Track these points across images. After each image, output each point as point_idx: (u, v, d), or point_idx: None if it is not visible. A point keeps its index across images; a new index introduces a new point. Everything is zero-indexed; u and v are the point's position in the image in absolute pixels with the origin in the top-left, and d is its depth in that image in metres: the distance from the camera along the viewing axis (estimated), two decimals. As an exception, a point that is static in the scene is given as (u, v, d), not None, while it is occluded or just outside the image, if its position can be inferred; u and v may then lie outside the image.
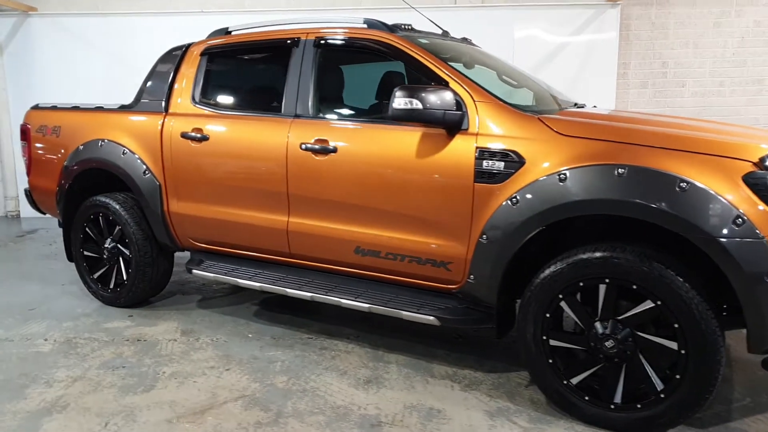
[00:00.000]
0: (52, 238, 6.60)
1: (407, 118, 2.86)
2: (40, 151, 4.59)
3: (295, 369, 3.31)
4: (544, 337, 2.74)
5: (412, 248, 3.10)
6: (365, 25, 3.42)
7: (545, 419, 2.77)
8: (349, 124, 3.37)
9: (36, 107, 4.76)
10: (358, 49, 3.45)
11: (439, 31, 3.95)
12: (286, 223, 3.49)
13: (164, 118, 3.93)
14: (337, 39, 3.45)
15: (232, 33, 3.98)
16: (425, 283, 3.17)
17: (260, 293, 4.55)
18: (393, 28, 3.37)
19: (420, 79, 3.15)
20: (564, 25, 7.28)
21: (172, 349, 3.59)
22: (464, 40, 4.08)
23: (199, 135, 3.74)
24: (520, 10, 7.35)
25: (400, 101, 2.83)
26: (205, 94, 3.89)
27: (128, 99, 6.78)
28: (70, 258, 4.54)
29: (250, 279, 3.68)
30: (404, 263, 3.15)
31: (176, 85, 3.97)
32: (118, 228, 4.15)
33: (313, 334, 3.79)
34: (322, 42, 3.46)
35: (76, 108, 4.52)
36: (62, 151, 4.40)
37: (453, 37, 3.91)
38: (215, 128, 3.71)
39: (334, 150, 3.25)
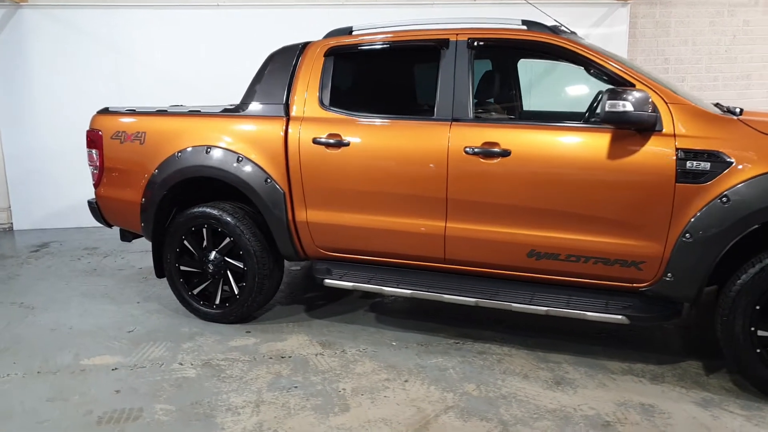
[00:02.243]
0: (72, 251, 6.07)
1: (617, 120, 2.90)
2: (116, 160, 4.21)
3: (472, 375, 3.27)
4: (753, 329, 2.87)
5: (600, 249, 3.14)
6: (524, 27, 3.41)
7: (756, 406, 2.91)
8: (520, 126, 3.34)
9: (106, 111, 4.37)
10: (518, 51, 3.44)
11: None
12: (443, 228, 3.43)
13: (287, 122, 3.73)
14: (496, 40, 3.41)
15: (354, 33, 3.82)
16: (607, 283, 3.22)
17: (361, 297, 4.46)
18: (555, 30, 3.38)
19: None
20: (578, 21, 7.50)
21: (329, 363, 3.44)
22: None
23: (335, 141, 3.58)
24: (538, 6, 7.50)
25: (612, 104, 2.86)
26: (337, 98, 3.72)
27: (135, 98, 6.43)
28: (159, 274, 4.22)
29: (396, 286, 3.59)
30: (588, 264, 3.19)
31: (298, 88, 3.77)
32: (228, 240, 3.90)
33: (456, 338, 3.75)
34: (479, 43, 3.41)
35: (162, 112, 4.20)
36: (148, 159, 4.06)
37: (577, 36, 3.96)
38: (356, 133, 3.57)
39: (507, 153, 3.23)
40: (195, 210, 3.95)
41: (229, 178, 3.81)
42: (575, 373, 3.28)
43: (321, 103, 3.71)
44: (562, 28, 3.46)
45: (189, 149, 3.91)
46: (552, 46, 3.27)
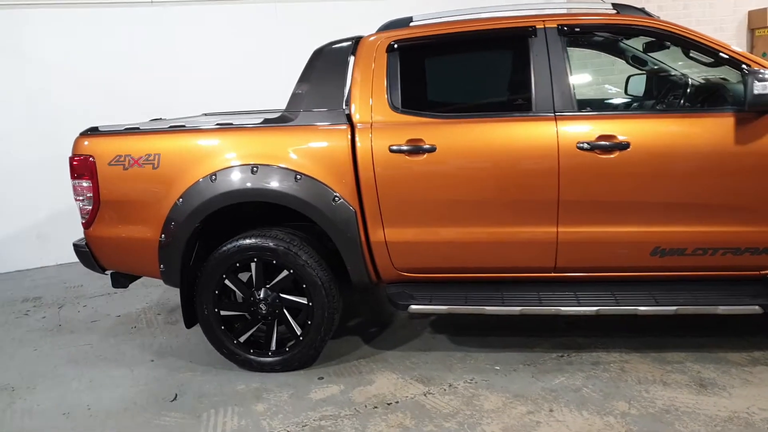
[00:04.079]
0: (10, 305, 4.92)
1: (764, 103, 2.76)
2: (118, 191, 3.40)
3: (611, 391, 3.00)
4: None
5: (730, 239, 3.01)
6: (615, 11, 3.18)
7: None
8: (634, 116, 3.11)
9: (95, 131, 3.51)
10: (615, 36, 3.20)
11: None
12: (555, 233, 3.12)
13: (352, 131, 3.20)
14: (593, 26, 3.15)
15: (413, 24, 3.36)
16: (731, 273, 3.10)
17: (412, 318, 4.03)
18: (647, 12, 3.19)
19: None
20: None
21: (449, 404, 2.99)
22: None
23: (417, 147, 3.12)
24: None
25: (761, 86, 2.72)
26: (410, 98, 3.24)
27: (57, 112, 5.50)
28: (189, 324, 3.47)
29: (500, 305, 3.21)
30: (716, 257, 3.04)
31: (359, 90, 3.24)
32: (286, 273, 3.29)
33: (557, 351, 3.46)
34: (574, 30, 3.12)
35: (179, 128, 3.44)
36: (167, 185, 3.31)
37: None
38: (442, 136, 3.13)
39: (626, 145, 2.98)
40: (242, 242, 3.28)
41: (288, 200, 3.20)
42: (708, 372, 3.12)
43: (391, 105, 3.22)
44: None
45: (228, 170, 3.23)
46: (655, 31, 3.09)
